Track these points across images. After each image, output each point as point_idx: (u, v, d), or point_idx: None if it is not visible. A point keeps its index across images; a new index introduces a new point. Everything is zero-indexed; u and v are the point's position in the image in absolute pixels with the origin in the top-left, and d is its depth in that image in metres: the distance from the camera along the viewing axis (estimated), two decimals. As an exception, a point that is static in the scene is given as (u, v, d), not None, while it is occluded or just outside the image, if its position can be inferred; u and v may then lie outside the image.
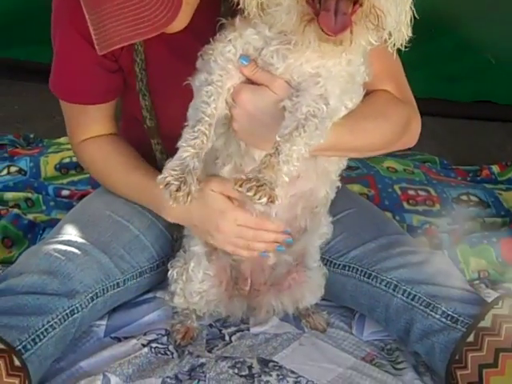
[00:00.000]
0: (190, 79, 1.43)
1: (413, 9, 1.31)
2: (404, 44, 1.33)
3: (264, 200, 1.21)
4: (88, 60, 1.58)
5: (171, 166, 1.30)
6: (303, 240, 1.61)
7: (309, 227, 1.60)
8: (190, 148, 1.32)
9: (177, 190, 1.27)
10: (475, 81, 3.46)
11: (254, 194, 1.20)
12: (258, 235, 1.54)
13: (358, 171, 2.53)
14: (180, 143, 1.34)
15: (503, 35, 3.30)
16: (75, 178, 2.50)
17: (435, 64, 3.37)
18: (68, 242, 1.60)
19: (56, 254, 1.56)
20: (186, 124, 1.37)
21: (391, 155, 2.69)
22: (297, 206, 1.55)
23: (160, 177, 1.29)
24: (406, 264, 1.62)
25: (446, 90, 3.43)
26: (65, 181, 2.49)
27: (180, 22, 1.39)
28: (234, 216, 1.51)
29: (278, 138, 1.28)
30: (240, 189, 1.22)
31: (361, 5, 1.22)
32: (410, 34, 1.32)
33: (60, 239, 1.61)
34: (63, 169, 2.55)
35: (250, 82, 1.40)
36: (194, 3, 1.43)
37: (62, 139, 2.79)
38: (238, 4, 1.32)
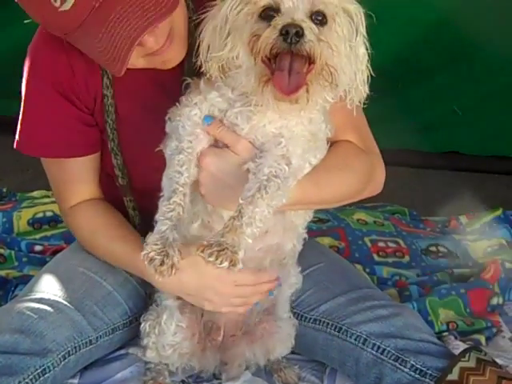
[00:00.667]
0: (162, 146, 1.46)
1: (369, 68, 1.36)
2: (362, 101, 1.38)
3: (226, 264, 1.24)
4: (62, 113, 1.60)
5: (152, 241, 1.32)
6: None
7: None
8: (167, 221, 1.35)
9: (160, 264, 1.30)
10: (442, 132, 3.52)
11: (216, 259, 1.24)
12: (257, 290, 1.56)
13: (329, 224, 2.55)
14: (158, 216, 1.37)
15: (468, 87, 3.38)
16: (48, 233, 2.48)
17: (402, 116, 3.41)
18: (41, 300, 1.60)
19: (28, 312, 1.56)
20: (161, 194, 1.40)
21: (361, 207, 2.72)
22: (265, 259, 1.57)
23: (143, 253, 1.31)
24: (375, 318, 1.64)
25: (413, 141, 3.46)
26: (38, 236, 2.47)
27: (177, 53, 1.48)
28: (232, 278, 1.52)
29: (240, 201, 1.31)
30: (202, 254, 1.25)
31: (313, 63, 1.26)
32: (368, 92, 1.37)
33: (33, 297, 1.61)
34: (36, 224, 2.54)
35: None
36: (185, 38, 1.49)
37: (36, 193, 2.78)
38: (201, 66, 1.37)
